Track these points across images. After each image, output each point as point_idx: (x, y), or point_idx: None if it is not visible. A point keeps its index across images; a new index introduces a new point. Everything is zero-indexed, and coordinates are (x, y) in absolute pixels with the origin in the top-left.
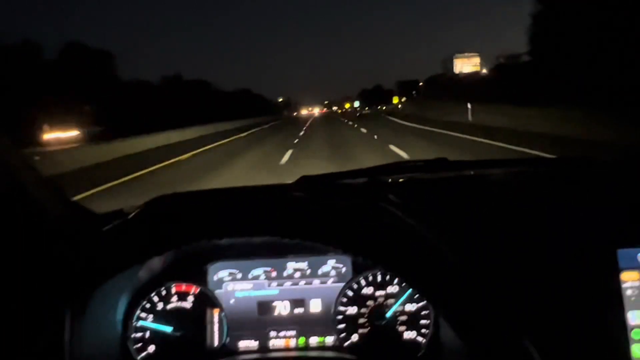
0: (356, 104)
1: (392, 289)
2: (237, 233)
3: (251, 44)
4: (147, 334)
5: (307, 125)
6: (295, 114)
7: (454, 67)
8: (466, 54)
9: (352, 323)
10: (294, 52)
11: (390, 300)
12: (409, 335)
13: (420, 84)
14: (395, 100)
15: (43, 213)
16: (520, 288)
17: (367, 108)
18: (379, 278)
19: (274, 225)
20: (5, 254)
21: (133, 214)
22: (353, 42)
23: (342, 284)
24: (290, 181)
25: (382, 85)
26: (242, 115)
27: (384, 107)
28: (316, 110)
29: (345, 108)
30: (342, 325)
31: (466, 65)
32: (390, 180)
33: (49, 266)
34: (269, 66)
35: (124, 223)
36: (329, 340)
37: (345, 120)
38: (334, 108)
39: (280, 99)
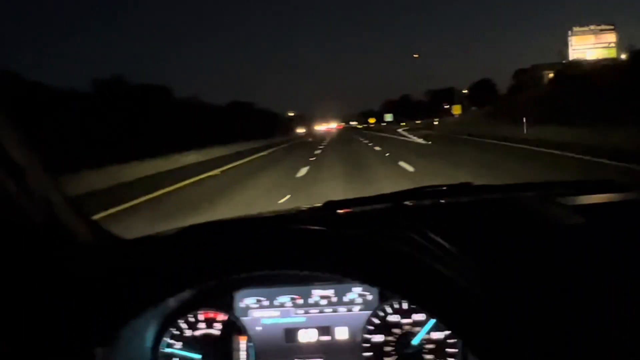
0: (388, 117)
1: (419, 316)
2: (263, 267)
3: (256, 55)
4: None
5: (315, 155)
6: (302, 131)
7: (569, 52)
8: (592, 27)
9: (378, 351)
10: (306, 63)
11: (417, 328)
12: None
13: (465, 91)
14: (457, 110)
15: (71, 238)
16: (548, 319)
17: (403, 124)
18: (405, 305)
19: (297, 259)
20: (33, 282)
21: (163, 243)
22: (373, 49)
23: (368, 312)
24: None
25: (410, 95)
26: (228, 139)
27: (436, 121)
28: (333, 126)
29: (370, 123)
30: (368, 354)
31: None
32: (414, 205)
33: (78, 297)
34: (276, 78)
35: (157, 254)
36: None
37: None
38: (353, 123)
39: (291, 113)
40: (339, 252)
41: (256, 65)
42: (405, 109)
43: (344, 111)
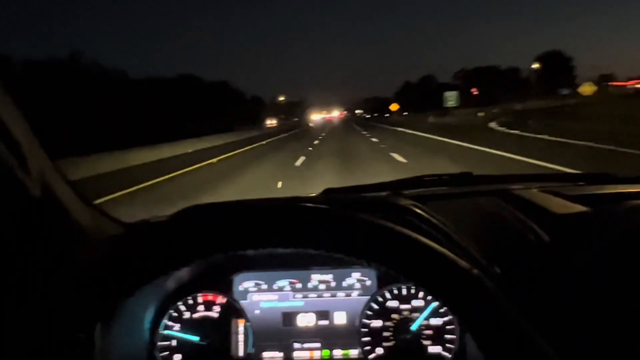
0: (451, 99)
1: (417, 302)
2: (262, 244)
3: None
4: (174, 343)
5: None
6: (272, 122)
7: None
8: None
9: (376, 336)
10: (305, 43)
11: (415, 314)
12: (434, 349)
13: (535, 65)
14: None
15: (71, 220)
16: (548, 307)
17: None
18: (404, 291)
19: (299, 237)
20: (32, 262)
21: (161, 223)
22: (383, 25)
23: (367, 297)
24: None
25: (435, 77)
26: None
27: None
28: (335, 114)
29: (391, 111)
30: (366, 339)
31: None
32: (413, 193)
33: (77, 276)
34: (269, 61)
35: (153, 232)
36: (353, 353)
37: None
38: (358, 112)
39: (281, 98)
40: (340, 230)
41: (248, 43)
42: (430, 93)
43: (348, 98)
